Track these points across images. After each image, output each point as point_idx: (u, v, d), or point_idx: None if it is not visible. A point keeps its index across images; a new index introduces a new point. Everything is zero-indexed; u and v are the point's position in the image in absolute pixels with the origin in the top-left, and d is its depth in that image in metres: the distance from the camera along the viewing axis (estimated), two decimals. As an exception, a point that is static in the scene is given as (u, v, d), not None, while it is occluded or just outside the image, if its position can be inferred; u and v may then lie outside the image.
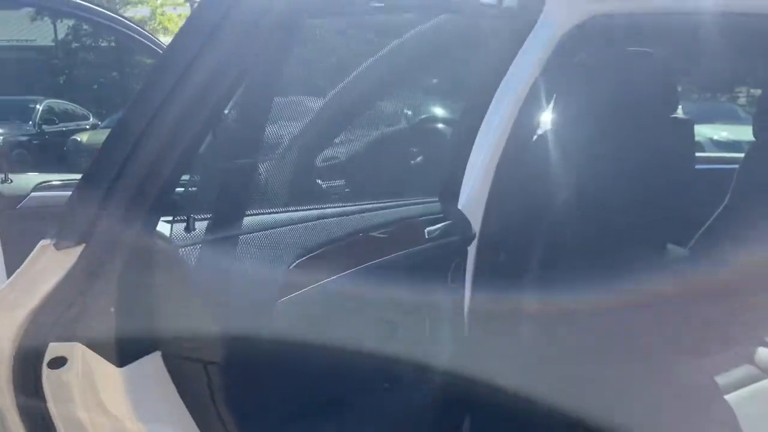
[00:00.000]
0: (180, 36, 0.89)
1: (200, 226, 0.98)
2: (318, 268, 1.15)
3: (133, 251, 0.88)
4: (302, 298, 1.10)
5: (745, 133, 5.76)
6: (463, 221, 1.68)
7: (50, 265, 0.86)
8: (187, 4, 23.07)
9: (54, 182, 2.16)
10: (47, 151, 7.74)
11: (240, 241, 1.04)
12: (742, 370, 1.80)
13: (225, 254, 1.01)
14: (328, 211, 1.32)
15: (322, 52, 1.26)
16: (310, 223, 1.20)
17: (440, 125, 2.04)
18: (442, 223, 1.59)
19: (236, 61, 0.88)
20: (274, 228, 1.11)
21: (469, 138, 1.70)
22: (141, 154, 0.84)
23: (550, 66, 1.81)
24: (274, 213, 1.14)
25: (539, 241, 1.99)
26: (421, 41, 1.42)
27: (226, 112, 0.93)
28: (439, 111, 2.06)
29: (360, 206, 1.43)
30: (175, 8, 23.60)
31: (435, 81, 1.87)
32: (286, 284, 1.09)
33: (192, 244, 0.96)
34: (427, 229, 1.54)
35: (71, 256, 0.86)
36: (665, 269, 2.18)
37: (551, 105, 1.99)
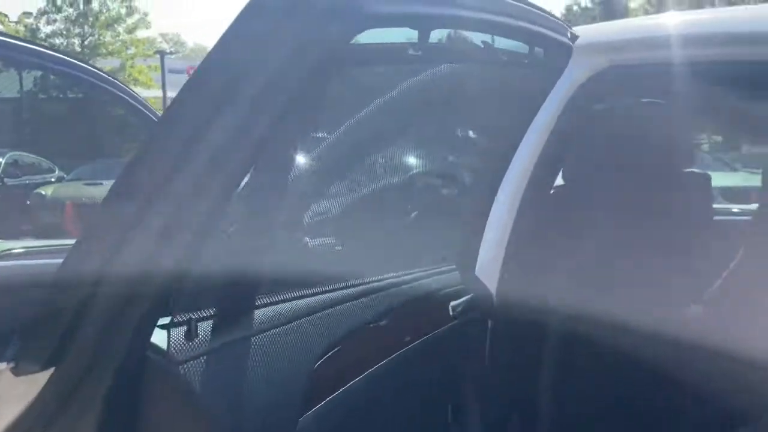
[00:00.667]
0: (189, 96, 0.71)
1: (204, 329, 0.78)
2: (344, 366, 0.95)
3: (119, 373, 0.67)
4: (329, 408, 0.89)
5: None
6: (484, 292, 1.50)
7: (6, 395, 0.65)
8: (158, 56, 23.03)
9: (15, 250, 1.92)
10: (10, 205, 7.41)
11: (253, 344, 0.84)
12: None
13: (236, 366, 0.80)
14: (342, 292, 1.12)
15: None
16: (328, 311, 1.00)
17: (460, 179, 1.88)
18: (466, 297, 1.41)
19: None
20: (290, 321, 0.91)
21: (491, 193, 1.54)
22: (132, 246, 0.64)
23: (566, 117, 1.68)
24: (284, 302, 0.95)
25: (555, 307, 1.82)
26: (447, 91, 1.27)
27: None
28: (461, 163, 1.91)
29: (376, 282, 1.23)
30: (145, 59, 23.50)
31: (459, 133, 1.72)
32: (310, 392, 0.88)
33: (196, 357, 0.75)
34: (451, 304, 1.36)
35: (35, 384, 0.64)
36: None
37: (567, 158, 1.85)
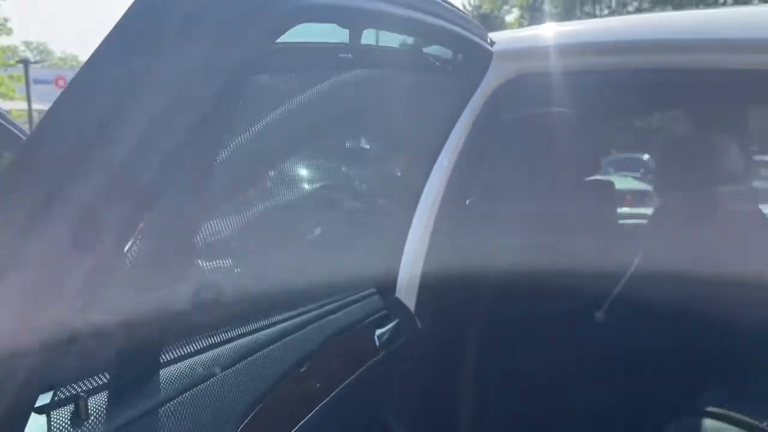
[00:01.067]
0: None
1: (97, 405, 0.60)
2: (269, 427, 0.80)
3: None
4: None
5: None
6: (407, 316, 1.39)
7: None
8: (21, 65, 21.30)
9: None
10: None
11: (162, 417, 0.67)
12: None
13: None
14: (254, 337, 0.96)
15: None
16: (243, 363, 0.85)
17: (376, 192, 1.77)
18: (391, 323, 1.30)
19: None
20: (203, 380, 0.75)
21: (410, 207, 1.44)
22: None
23: (480, 126, 1.62)
24: (192, 356, 0.78)
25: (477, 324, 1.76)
26: (359, 99, 1.15)
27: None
28: (376, 176, 1.80)
29: (290, 320, 1.09)
30: (5, 69, 21.71)
31: (375, 144, 1.60)
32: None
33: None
34: (377, 332, 1.24)
35: None
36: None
37: (481, 168, 1.80)
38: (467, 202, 1.73)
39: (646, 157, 11.72)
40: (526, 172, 1.83)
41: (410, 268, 1.50)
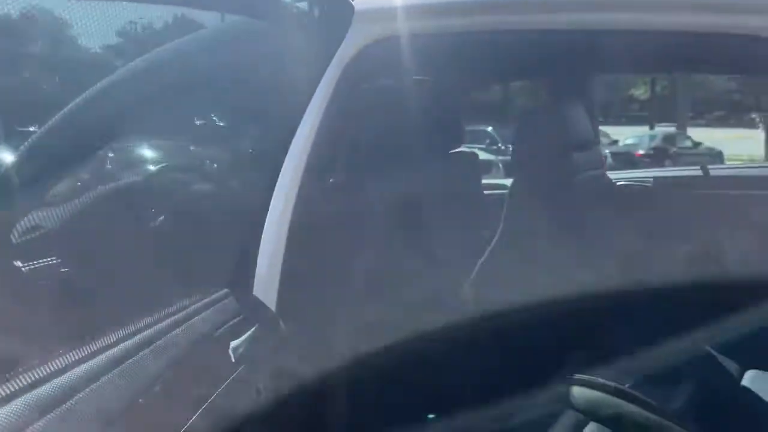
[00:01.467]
0: None
1: None
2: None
3: None
4: None
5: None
6: (269, 318, 1.19)
7: None
8: None
9: None
10: None
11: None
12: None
13: None
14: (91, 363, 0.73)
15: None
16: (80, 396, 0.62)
17: (225, 174, 1.53)
18: (250, 330, 1.09)
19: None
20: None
21: (266, 190, 1.23)
22: None
23: (340, 95, 1.44)
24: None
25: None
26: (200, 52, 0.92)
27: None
28: (223, 155, 1.56)
29: (129, 337, 0.85)
30: None
31: (222, 118, 1.36)
32: None
33: None
34: (232, 345, 1.03)
35: None
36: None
37: (344, 142, 1.63)
38: (331, 180, 1.55)
39: (489, 128, 12.29)
40: (391, 144, 1.68)
41: (269, 260, 1.29)
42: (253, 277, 1.21)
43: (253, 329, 1.09)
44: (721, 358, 2.21)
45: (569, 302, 2.19)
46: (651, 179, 2.65)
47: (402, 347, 1.60)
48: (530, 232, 2.26)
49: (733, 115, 31.32)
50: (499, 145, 12.15)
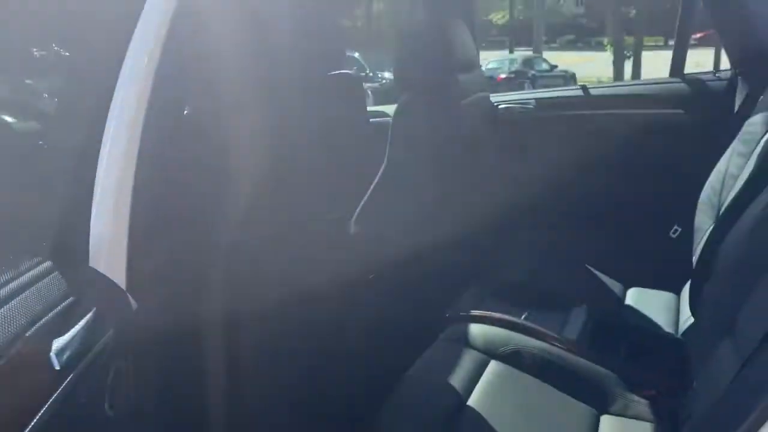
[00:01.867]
0: None
1: None
2: None
3: None
4: None
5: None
6: (114, 295, 0.91)
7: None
8: None
9: None
10: None
11: None
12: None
13: None
14: None
15: None
16: None
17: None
18: (84, 318, 0.81)
19: None
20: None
21: (93, 146, 0.93)
22: None
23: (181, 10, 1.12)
24: None
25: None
26: None
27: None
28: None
29: None
30: None
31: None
32: None
33: None
34: (54, 345, 0.75)
35: None
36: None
37: (199, 60, 1.32)
38: (185, 111, 1.25)
39: (356, 54, 11.99)
40: (255, 65, 1.40)
41: (112, 218, 0.98)
42: (87, 243, 0.91)
43: (88, 315, 0.81)
44: (606, 279, 2.23)
45: (460, 235, 2.08)
46: (532, 101, 2.57)
47: (287, 291, 1.40)
48: (417, 159, 2.11)
49: (581, 39, 33.38)
50: (368, 71, 11.90)
